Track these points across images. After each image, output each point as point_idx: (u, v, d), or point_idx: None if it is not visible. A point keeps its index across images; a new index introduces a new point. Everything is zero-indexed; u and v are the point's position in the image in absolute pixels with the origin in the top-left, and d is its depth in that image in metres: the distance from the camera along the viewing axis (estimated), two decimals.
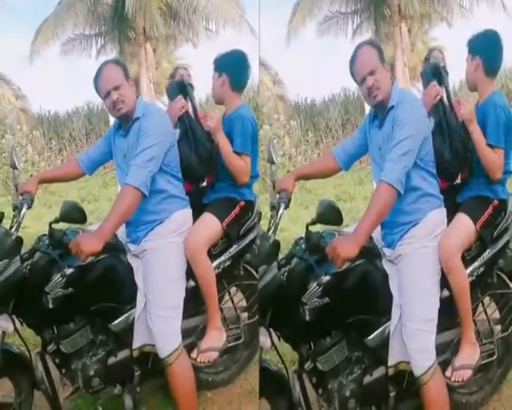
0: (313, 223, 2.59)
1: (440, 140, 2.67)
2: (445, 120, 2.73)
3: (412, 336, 2.47)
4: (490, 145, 2.66)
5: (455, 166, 2.74)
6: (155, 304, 2.70)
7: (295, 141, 11.74)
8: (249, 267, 3.22)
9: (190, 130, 2.99)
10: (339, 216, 2.57)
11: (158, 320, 2.68)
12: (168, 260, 2.76)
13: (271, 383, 2.66)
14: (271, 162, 2.82)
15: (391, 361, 2.54)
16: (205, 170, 3.03)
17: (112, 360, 2.83)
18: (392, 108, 2.49)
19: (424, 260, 2.53)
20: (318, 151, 12.00)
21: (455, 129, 2.71)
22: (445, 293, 2.61)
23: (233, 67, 3.08)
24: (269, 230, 2.59)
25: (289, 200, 2.72)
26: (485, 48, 2.76)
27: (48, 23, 13.40)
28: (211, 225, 2.94)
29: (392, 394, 2.57)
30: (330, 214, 2.56)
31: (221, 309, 3.09)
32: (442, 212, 2.60)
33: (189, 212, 2.87)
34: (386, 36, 13.33)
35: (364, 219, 2.34)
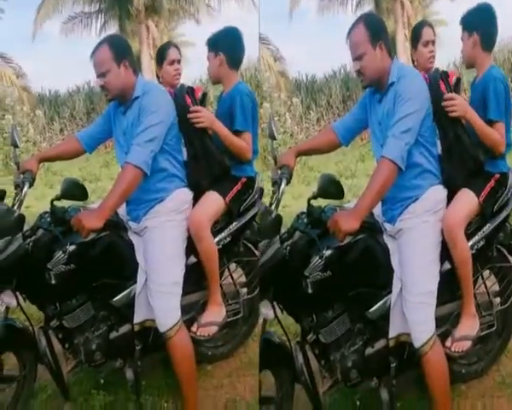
0: (314, 197, 2.60)
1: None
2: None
3: (412, 308, 2.49)
4: (490, 120, 2.65)
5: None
6: (156, 280, 2.72)
7: (297, 118, 11.67)
8: (249, 244, 3.24)
9: (201, 147, 2.93)
10: (340, 190, 2.57)
11: (158, 296, 2.71)
12: (168, 237, 2.77)
13: (275, 355, 2.69)
14: (273, 138, 2.82)
15: (392, 333, 2.56)
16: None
17: (113, 334, 2.87)
18: (392, 84, 2.48)
19: (424, 234, 2.54)
20: (320, 128, 11.91)
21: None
22: (446, 266, 2.62)
23: (229, 46, 3.06)
24: (271, 205, 2.60)
25: (291, 175, 2.72)
26: (481, 23, 2.73)
27: (48, 0, 13.32)
28: (215, 201, 2.95)
29: (392, 365, 2.59)
30: (331, 188, 2.57)
31: (221, 285, 3.11)
32: (441, 188, 2.61)
33: (188, 191, 2.88)
34: (387, 10, 13.20)
35: (366, 194, 2.35)
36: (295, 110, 11.74)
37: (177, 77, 3.51)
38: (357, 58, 2.49)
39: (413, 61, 3.30)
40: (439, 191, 2.60)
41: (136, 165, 2.55)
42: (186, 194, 2.87)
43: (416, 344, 2.50)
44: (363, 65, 2.49)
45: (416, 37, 3.27)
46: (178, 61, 3.52)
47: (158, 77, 3.60)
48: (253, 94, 3.09)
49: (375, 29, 2.49)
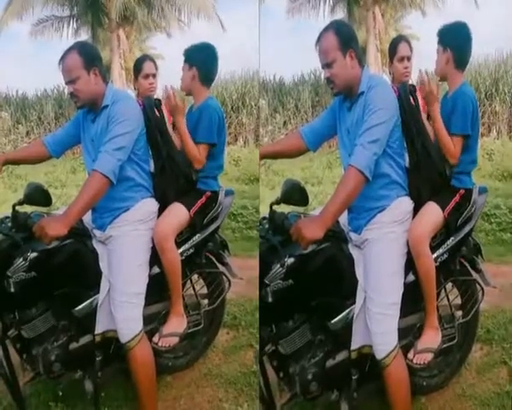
0: (277, 202, 2.58)
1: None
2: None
3: (376, 319, 2.49)
4: (452, 134, 2.68)
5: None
6: (119, 290, 2.69)
7: (262, 120, 11.58)
8: (211, 256, 3.23)
9: (168, 159, 2.93)
10: (304, 196, 2.56)
11: (120, 306, 2.67)
12: (132, 247, 2.75)
13: None
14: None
15: (354, 345, 2.55)
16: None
17: (73, 345, 2.82)
18: (362, 93, 2.49)
19: (390, 245, 2.55)
20: (286, 132, 11.78)
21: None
22: (410, 278, 2.63)
23: (203, 62, 3.06)
24: None
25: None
26: (456, 41, 2.77)
27: (17, 2, 13.14)
28: (179, 213, 2.94)
29: (354, 377, 2.58)
30: (295, 194, 2.56)
31: (183, 296, 3.08)
32: (408, 200, 2.62)
33: (154, 201, 2.86)
34: (359, 20, 13.35)
35: (332, 202, 2.32)
36: (261, 112, 11.67)
37: (151, 90, 3.51)
38: (326, 65, 2.48)
39: (390, 74, 3.34)
40: (406, 203, 2.61)
41: (104, 173, 2.51)
42: (152, 204, 2.85)
43: (378, 356, 2.50)
44: (333, 72, 2.47)
45: (392, 51, 3.30)
46: (153, 76, 3.53)
47: (135, 88, 3.61)
48: (221, 110, 3.10)
49: (345, 37, 2.48)
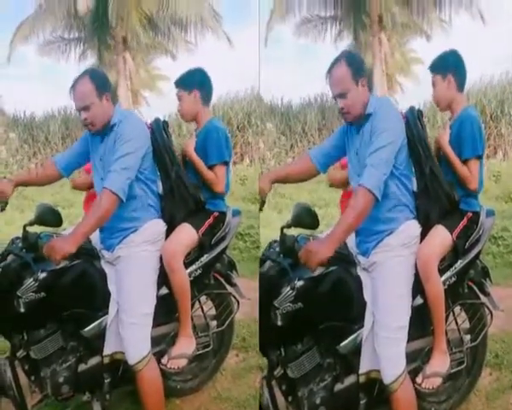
0: (288, 226, 2.59)
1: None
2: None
3: (383, 343, 2.49)
4: (466, 159, 2.71)
5: None
6: (127, 311, 2.69)
7: (269, 143, 11.66)
8: (219, 277, 3.23)
9: (177, 180, 2.92)
10: (314, 220, 2.58)
11: (129, 327, 2.67)
12: (141, 268, 2.76)
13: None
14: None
15: (362, 369, 2.54)
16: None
17: (82, 367, 2.80)
18: (369, 115, 2.52)
19: (398, 268, 2.55)
20: (293, 155, 11.90)
21: None
22: (418, 301, 2.63)
23: (201, 82, 3.11)
24: None
25: (263, 202, 2.73)
26: (454, 65, 2.80)
27: (27, 23, 13.32)
28: (188, 233, 2.94)
29: (362, 401, 2.57)
30: (306, 218, 2.57)
31: (191, 317, 3.07)
32: (416, 223, 2.63)
33: (162, 222, 2.87)
34: (365, 45, 13.45)
35: (341, 222, 2.34)
36: (269, 135, 11.76)
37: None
38: (340, 95, 2.51)
39: None
40: (414, 226, 2.62)
41: (113, 191, 2.53)
42: (160, 225, 2.86)
43: (386, 381, 2.49)
44: (348, 103, 2.51)
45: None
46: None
47: None
48: (225, 129, 3.15)
49: (357, 66, 2.52)
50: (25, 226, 2.75)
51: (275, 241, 2.66)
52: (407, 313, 2.54)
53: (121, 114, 2.74)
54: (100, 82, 2.69)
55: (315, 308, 2.51)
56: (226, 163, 3.06)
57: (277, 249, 2.60)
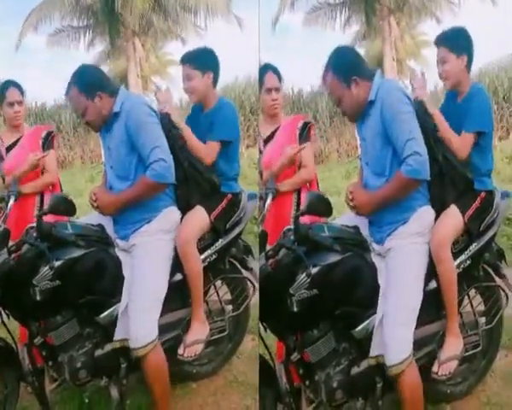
0: (302, 214, 2.59)
1: None
2: None
3: (392, 325, 2.46)
4: (466, 131, 2.70)
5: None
6: (137, 297, 2.70)
7: None
8: (234, 261, 3.22)
9: (190, 168, 2.92)
10: (328, 207, 2.58)
11: (137, 312, 2.67)
12: (155, 255, 2.78)
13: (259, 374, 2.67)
14: (260, 152, 2.82)
15: (372, 352, 2.53)
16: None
17: (98, 352, 2.82)
18: (371, 102, 2.51)
19: (412, 253, 2.55)
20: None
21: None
22: (433, 285, 2.62)
23: (216, 64, 3.09)
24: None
25: (277, 190, 2.70)
26: (469, 45, 2.79)
27: (35, 12, 13.32)
28: (200, 218, 2.94)
29: (378, 385, 2.57)
30: (320, 205, 2.57)
31: (206, 302, 3.10)
32: (429, 210, 2.62)
33: (176, 210, 2.88)
34: (374, 30, 13.35)
35: (386, 187, 2.47)
36: None
37: (16, 119, 3.47)
38: (336, 103, 2.58)
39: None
40: (428, 213, 2.61)
41: (153, 179, 2.63)
42: (175, 213, 2.87)
43: (389, 362, 2.44)
44: (344, 107, 2.57)
45: (260, 82, 3.30)
46: (19, 103, 3.46)
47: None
48: (234, 108, 3.15)
49: (345, 70, 2.51)
50: (38, 216, 2.76)
51: (289, 229, 2.65)
52: (418, 297, 2.53)
53: (125, 100, 2.73)
54: (87, 87, 2.69)
55: (330, 294, 2.51)
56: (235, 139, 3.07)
57: (291, 238, 2.59)
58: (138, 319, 2.67)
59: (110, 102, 2.72)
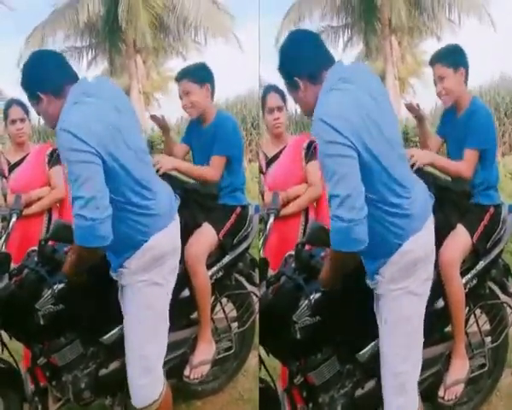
0: (303, 244, 2.59)
1: None
2: None
3: (390, 392, 2.28)
4: (468, 148, 2.70)
5: None
6: (134, 352, 2.39)
7: None
8: (239, 277, 3.20)
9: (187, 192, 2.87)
10: (329, 238, 2.56)
11: (134, 367, 2.39)
12: (146, 302, 2.34)
13: (260, 398, 2.65)
14: (261, 172, 2.81)
15: None
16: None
17: (103, 371, 2.79)
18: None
19: (404, 308, 2.19)
20: None
21: None
22: (440, 304, 2.61)
23: (211, 77, 3.10)
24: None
25: (279, 210, 2.68)
26: (465, 59, 2.80)
27: (38, 31, 13.41)
28: (209, 235, 2.93)
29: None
30: (321, 236, 2.55)
31: (213, 320, 3.07)
32: (424, 237, 2.18)
33: (166, 238, 2.36)
34: (376, 50, 13.41)
35: (324, 265, 2.30)
36: None
37: (19, 136, 3.47)
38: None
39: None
40: (422, 242, 2.17)
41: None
42: (163, 243, 2.33)
43: None
44: (302, 108, 2.32)
45: (262, 103, 3.33)
46: (21, 120, 3.46)
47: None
48: (235, 121, 3.16)
49: (286, 73, 2.19)
50: (40, 242, 2.75)
51: (290, 255, 2.64)
52: (416, 357, 2.27)
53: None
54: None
55: (332, 321, 2.48)
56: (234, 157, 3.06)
57: (293, 265, 2.58)
58: (135, 384, 2.40)
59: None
